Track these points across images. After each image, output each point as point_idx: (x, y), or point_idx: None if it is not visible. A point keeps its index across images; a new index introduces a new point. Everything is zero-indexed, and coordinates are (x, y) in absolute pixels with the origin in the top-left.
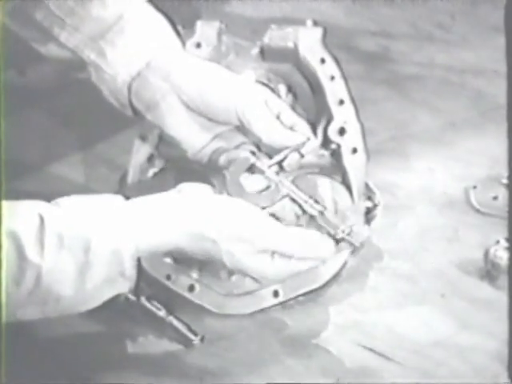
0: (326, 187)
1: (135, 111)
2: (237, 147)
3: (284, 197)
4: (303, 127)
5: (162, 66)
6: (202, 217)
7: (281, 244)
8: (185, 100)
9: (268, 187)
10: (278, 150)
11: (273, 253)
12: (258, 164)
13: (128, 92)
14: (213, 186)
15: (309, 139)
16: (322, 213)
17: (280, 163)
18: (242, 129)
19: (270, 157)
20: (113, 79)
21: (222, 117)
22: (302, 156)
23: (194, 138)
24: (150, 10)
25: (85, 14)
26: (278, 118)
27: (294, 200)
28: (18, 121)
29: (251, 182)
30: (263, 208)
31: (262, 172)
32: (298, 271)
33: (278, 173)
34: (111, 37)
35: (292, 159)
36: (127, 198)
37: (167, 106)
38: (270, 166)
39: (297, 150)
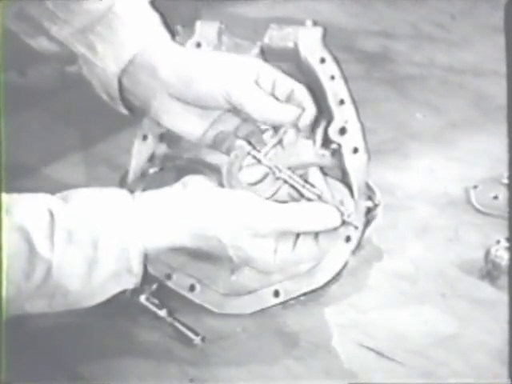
0: (318, 177)
1: (127, 106)
2: (237, 128)
3: (283, 182)
4: (301, 92)
5: (148, 61)
6: (206, 214)
7: (287, 221)
8: (174, 94)
9: (266, 174)
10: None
11: (278, 239)
12: (253, 153)
13: (118, 85)
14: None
15: (304, 110)
16: (319, 196)
17: (277, 145)
18: (235, 111)
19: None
20: (103, 72)
21: (213, 104)
22: (300, 130)
23: (192, 128)
24: (139, 1)
25: (76, 8)
26: (273, 86)
27: (291, 186)
28: (17, 121)
29: (249, 172)
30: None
31: (258, 160)
32: (300, 261)
33: (276, 154)
34: (100, 30)
35: (290, 136)
36: (132, 192)
37: (160, 103)
38: (265, 154)
39: (293, 125)
